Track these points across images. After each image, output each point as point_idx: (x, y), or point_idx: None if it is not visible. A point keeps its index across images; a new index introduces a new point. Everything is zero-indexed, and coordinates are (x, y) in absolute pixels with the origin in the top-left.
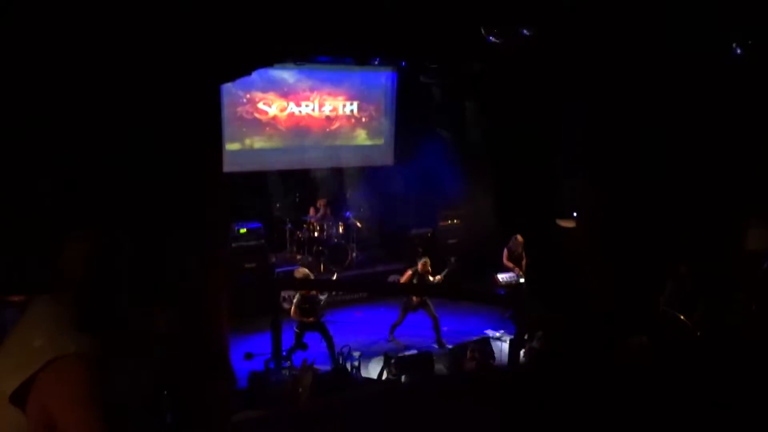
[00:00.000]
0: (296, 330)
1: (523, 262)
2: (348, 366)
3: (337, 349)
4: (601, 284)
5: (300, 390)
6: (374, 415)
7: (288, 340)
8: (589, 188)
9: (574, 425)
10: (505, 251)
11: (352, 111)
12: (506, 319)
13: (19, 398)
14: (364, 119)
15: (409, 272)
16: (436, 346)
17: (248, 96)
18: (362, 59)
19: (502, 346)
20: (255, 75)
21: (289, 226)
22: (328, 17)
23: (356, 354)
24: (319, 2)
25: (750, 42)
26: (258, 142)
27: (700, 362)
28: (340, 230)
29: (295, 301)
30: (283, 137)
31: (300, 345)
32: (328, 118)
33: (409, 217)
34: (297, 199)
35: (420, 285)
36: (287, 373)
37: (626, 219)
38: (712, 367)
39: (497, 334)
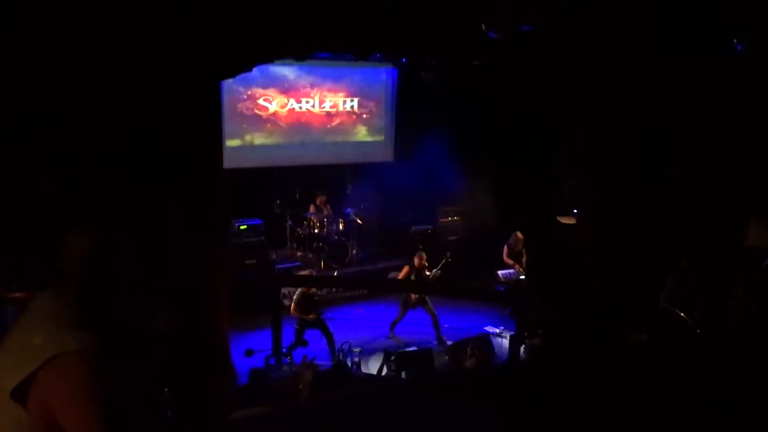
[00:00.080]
0: (296, 327)
1: (523, 259)
2: (348, 362)
3: (337, 346)
4: (601, 281)
5: (300, 386)
6: (374, 411)
7: (288, 336)
8: (589, 185)
9: (575, 422)
10: (505, 248)
11: (352, 107)
12: (506, 316)
13: (20, 395)
14: (364, 115)
15: (407, 268)
16: (436, 343)
17: (249, 92)
18: (362, 56)
19: (502, 343)
20: (255, 71)
21: (290, 222)
22: (329, 14)
23: (356, 351)
24: None
25: (751, 39)
26: (258, 139)
27: (700, 359)
28: (341, 227)
29: (294, 298)
30: (283, 133)
31: (300, 342)
32: (328, 114)
33: (410, 214)
34: (297, 196)
35: (420, 282)
36: (288, 370)
37: (626, 216)
38: (712, 365)
39: (497, 331)
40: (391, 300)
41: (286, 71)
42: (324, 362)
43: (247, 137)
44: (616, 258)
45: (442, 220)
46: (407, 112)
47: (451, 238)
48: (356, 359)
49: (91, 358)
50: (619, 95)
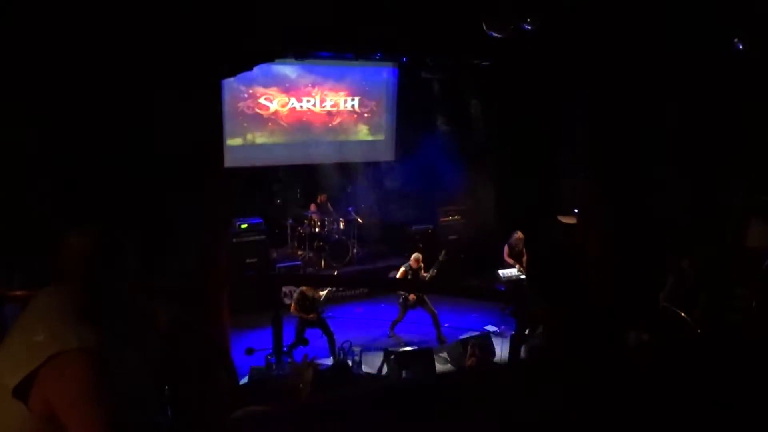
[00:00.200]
0: (297, 326)
1: (524, 259)
2: (349, 361)
3: (337, 345)
4: (602, 280)
5: (301, 385)
6: (375, 409)
7: (289, 335)
8: (590, 185)
9: (574, 421)
10: (506, 247)
11: (353, 106)
12: (507, 315)
13: (22, 392)
14: (365, 115)
15: (403, 269)
16: (436, 342)
17: (250, 91)
18: (364, 55)
19: (502, 342)
20: (257, 70)
21: (290, 221)
22: (330, 13)
23: (357, 349)
24: None
25: (752, 38)
26: (260, 138)
27: (700, 359)
28: (341, 226)
29: (295, 297)
30: (284, 132)
31: (301, 340)
32: (329, 113)
33: (410, 213)
34: (298, 195)
35: (421, 281)
36: (288, 369)
37: (626, 216)
38: (713, 365)
39: (498, 330)
40: (392, 299)
41: (288, 70)
42: (324, 361)
43: (249, 136)
44: (617, 258)
45: (443, 219)
46: (408, 112)
47: (451, 237)
48: (357, 358)
49: (92, 355)
50: (619, 95)
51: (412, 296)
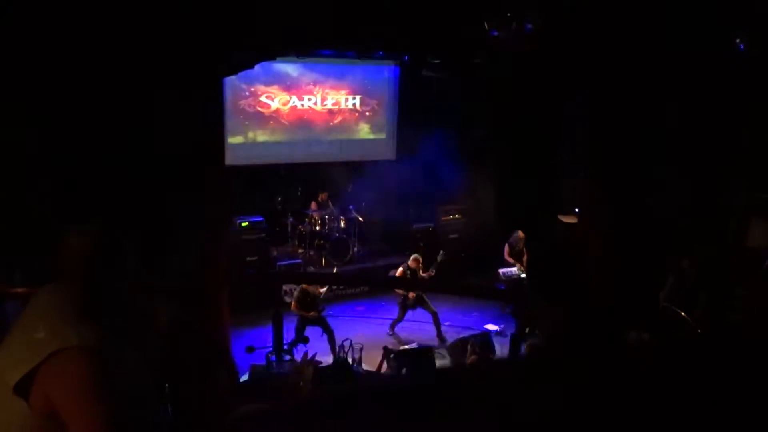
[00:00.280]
0: (297, 324)
1: (524, 258)
2: (349, 359)
3: (338, 343)
4: (602, 280)
5: (301, 383)
6: (375, 407)
7: (289, 333)
8: (590, 184)
9: (574, 420)
10: (507, 246)
11: (354, 105)
12: (507, 315)
13: (22, 390)
14: (367, 113)
15: (402, 269)
16: (436, 341)
17: (251, 89)
18: (365, 53)
19: (503, 342)
20: (258, 68)
21: (291, 219)
22: (331, 11)
23: (357, 347)
24: None
25: (753, 37)
26: (261, 136)
27: (701, 359)
28: (342, 224)
29: (295, 295)
30: (285, 131)
31: (301, 338)
32: (330, 111)
33: (411, 212)
34: (299, 193)
35: (421, 280)
36: (288, 367)
37: (627, 215)
38: (713, 364)
39: (498, 329)
40: (392, 298)
41: (289, 68)
42: (325, 359)
43: (250, 134)
44: (617, 257)
45: (444, 218)
46: (409, 110)
47: (452, 236)
48: (357, 356)
49: (93, 353)
50: (620, 95)
51: (411, 295)
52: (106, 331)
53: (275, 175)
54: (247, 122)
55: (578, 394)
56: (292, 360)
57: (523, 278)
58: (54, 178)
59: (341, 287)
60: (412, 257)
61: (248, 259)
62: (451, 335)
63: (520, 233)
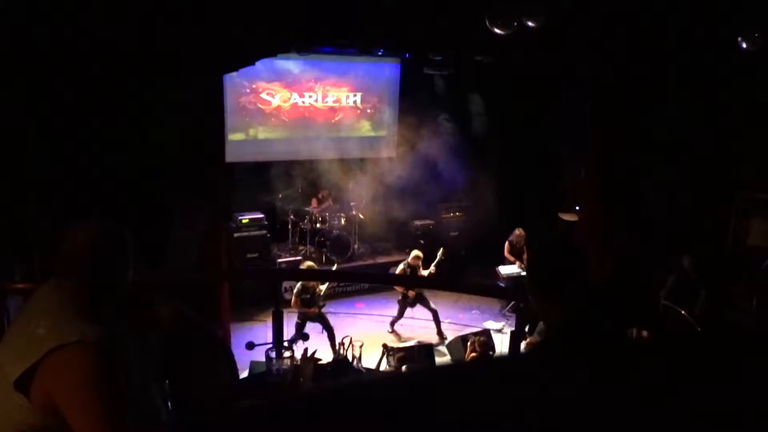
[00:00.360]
0: (297, 320)
1: (524, 256)
2: (349, 357)
3: (337, 340)
4: (603, 278)
5: (301, 380)
6: (375, 403)
7: (290, 330)
8: (591, 182)
9: (573, 417)
10: (507, 244)
11: (355, 102)
12: (507, 312)
13: (23, 384)
14: (368, 110)
15: (402, 266)
16: (436, 338)
17: (252, 86)
18: (366, 50)
19: (502, 339)
20: (259, 65)
21: (292, 216)
22: (332, 8)
23: (357, 345)
24: None
25: (756, 35)
26: (262, 133)
27: (701, 357)
28: (342, 222)
29: (295, 291)
30: (286, 128)
31: (301, 335)
32: (331, 109)
33: (411, 209)
34: (299, 190)
35: (421, 278)
36: (288, 363)
37: (627, 213)
38: (713, 362)
39: (498, 327)
40: (392, 295)
41: (290, 65)
42: (324, 356)
43: (251, 131)
44: (618, 255)
45: (444, 215)
46: (410, 108)
47: (452, 233)
48: (356, 353)
49: (93, 349)
50: (621, 93)
51: (411, 293)
52: (106, 327)
53: (276, 171)
54: (248, 119)
55: (577, 392)
56: (292, 357)
57: (523, 276)
58: (56, 172)
59: (342, 284)
60: (412, 254)
61: (248, 255)
62: (451, 333)
63: (521, 231)
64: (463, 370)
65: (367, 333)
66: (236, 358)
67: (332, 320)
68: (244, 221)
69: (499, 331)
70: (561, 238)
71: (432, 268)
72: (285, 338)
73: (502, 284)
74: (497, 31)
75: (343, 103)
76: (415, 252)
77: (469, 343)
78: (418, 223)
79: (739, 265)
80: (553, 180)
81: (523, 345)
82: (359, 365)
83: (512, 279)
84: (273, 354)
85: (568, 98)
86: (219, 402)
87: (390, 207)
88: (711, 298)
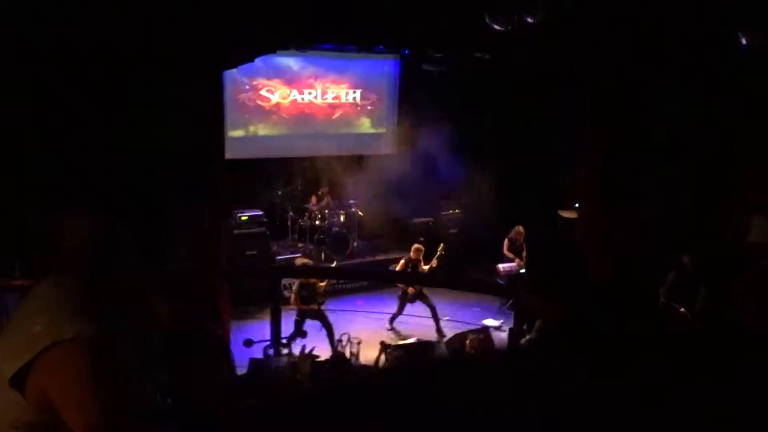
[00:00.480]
0: (296, 318)
1: (524, 253)
2: (347, 354)
3: (336, 337)
4: (602, 276)
5: (298, 377)
6: (372, 399)
7: (288, 327)
8: (591, 180)
9: (571, 414)
10: (506, 241)
11: (354, 99)
12: (506, 309)
13: (18, 382)
14: (368, 107)
15: (403, 261)
16: (435, 336)
17: (252, 83)
18: (366, 47)
19: (501, 336)
20: (259, 62)
21: (291, 213)
22: (332, 5)
23: (355, 342)
24: None
25: (755, 33)
26: (261, 129)
27: (700, 355)
28: (342, 219)
29: (294, 288)
30: (286, 124)
31: (300, 332)
32: (331, 105)
33: (411, 206)
34: (299, 187)
35: (420, 274)
36: (286, 361)
37: (627, 210)
38: (712, 360)
39: (497, 324)
40: (391, 292)
41: (291, 62)
42: (323, 353)
43: (251, 128)
44: (617, 253)
45: (443, 212)
46: (409, 104)
47: (451, 230)
48: (355, 350)
49: (89, 346)
50: (621, 90)
51: (411, 289)
52: (104, 324)
53: (275, 169)
54: (247, 116)
55: (576, 390)
56: (290, 354)
57: (522, 273)
58: (54, 168)
59: (341, 282)
60: (413, 248)
61: (248, 253)
62: (450, 330)
63: (520, 228)
64: (463, 365)
65: (366, 330)
66: (235, 354)
67: (331, 318)
68: (243, 218)
69: (498, 328)
70: (560, 236)
71: (434, 261)
72: (283, 335)
73: (501, 281)
74: (496, 27)
75: (343, 100)
76: (416, 246)
77: (467, 341)
78: (417, 220)
79: (740, 263)
80: (552, 177)
81: (521, 343)
82: (357, 363)
83: (511, 276)
84: (271, 351)
85: (567, 97)
86: (218, 400)
87: (389, 204)
88: (710, 295)
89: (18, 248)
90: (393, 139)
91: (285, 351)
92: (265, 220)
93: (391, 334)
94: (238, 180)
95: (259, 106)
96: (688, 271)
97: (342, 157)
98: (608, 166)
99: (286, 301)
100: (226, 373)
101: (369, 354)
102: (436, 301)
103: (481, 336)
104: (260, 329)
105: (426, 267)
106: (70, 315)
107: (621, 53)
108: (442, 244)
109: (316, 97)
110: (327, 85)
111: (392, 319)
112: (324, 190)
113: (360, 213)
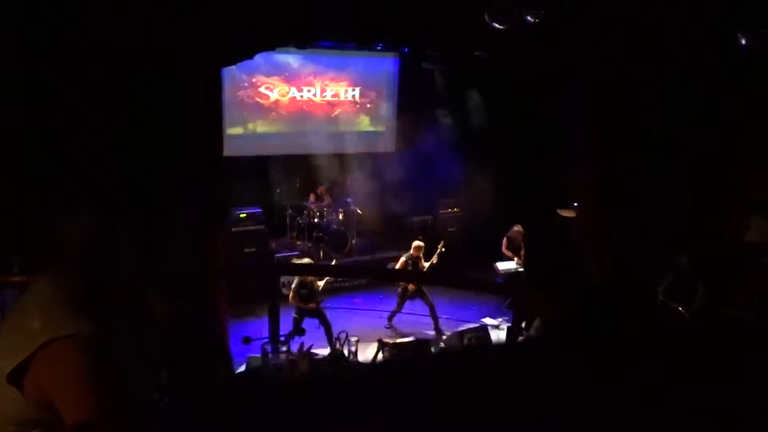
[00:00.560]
0: (295, 315)
1: (522, 252)
2: (345, 352)
3: (335, 335)
4: (600, 274)
5: (297, 375)
6: (370, 395)
7: (287, 325)
8: (589, 179)
9: (572, 413)
10: (504, 240)
11: (354, 97)
12: (504, 308)
13: (16, 378)
14: (367, 105)
15: (403, 258)
16: (433, 334)
17: (252, 80)
18: (365, 45)
19: (499, 335)
20: (258, 59)
21: (290, 211)
22: (331, 2)
23: (354, 340)
24: None
25: (756, 31)
26: (261, 127)
27: (698, 354)
28: (340, 216)
29: (293, 286)
30: (285, 122)
31: (298, 330)
32: (330, 103)
33: (410, 205)
34: (297, 185)
35: (419, 272)
36: (284, 358)
37: (625, 210)
38: (710, 359)
39: (495, 323)
40: (390, 290)
41: (290, 59)
42: (321, 351)
43: (250, 125)
44: (615, 252)
45: (442, 211)
46: (409, 103)
47: (450, 229)
48: (353, 348)
49: (86, 343)
50: (620, 89)
51: (411, 286)
52: (101, 322)
53: (274, 166)
54: (246, 113)
55: (575, 387)
56: (289, 352)
57: (521, 272)
58: (54, 165)
59: (339, 280)
60: (414, 245)
61: (246, 250)
62: (449, 328)
63: (519, 227)
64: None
65: (365, 329)
66: (233, 352)
67: (330, 316)
68: (241, 216)
69: (497, 327)
70: (559, 235)
71: (434, 258)
72: (282, 333)
73: (499, 280)
74: (496, 26)
75: (342, 98)
76: (417, 243)
77: (466, 339)
78: (416, 218)
79: (738, 262)
80: (551, 176)
81: (520, 341)
82: (355, 361)
83: (510, 275)
84: (269, 348)
85: (567, 96)
86: (216, 399)
87: (388, 202)
88: (708, 295)
89: (18, 250)
90: (392, 137)
91: (283, 349)
92: (263, 217)
93: (389, 332)
94: (236, 177)
95: (258, 103)
96: (686, 271)
97: (341, 154)
98: (608, 165)
99: (285, 299)
100: (225, 373)
101: (367, 352)
102: (434, 299)
103: (480, 334)
104: (258, 327)
105: (426, 264)
106: (68, 312)
107: (621, 53)
108: (442, 242)
109: (315, 95)
110: (326, 82)
111: (391, 317)
112: (323, 187)
113: (359, 211)
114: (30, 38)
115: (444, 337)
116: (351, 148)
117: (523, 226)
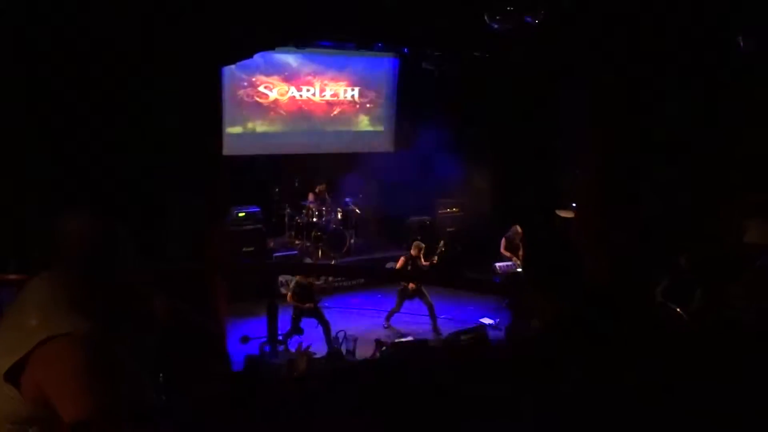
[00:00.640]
0: (293, 315)
1: (521, 252)
2: (343, 351)
3: (333, 335)
4: (598, 275)
5: (295, 374)
6: (368, 395)
7: (285, 324)
8: (588, 179)
9: (572, 413)
10: (503, 240)
11: (353, 96)
12: (503, 308)
13: (14, 377)
14: (367, 105)
15: (403, 258)
16: (432, 334)
17: (250, 79)
18: (364, 45)
19: (498, 335)
20: (258, 58)
21: (288, 210)
22: (331, 2)
23: (352, 339)
24: None
25: (753, 35)
26: (260, 126)
27: (697, 355)
28: (339, 216)
29: (291, 286)
30: (284, 121)
31: (296, 330)
32: (329, 103)
33: (408, 205)
34: (296, 184)
35: (418, 272)
36: (282, 357)
37: (624, 211)
38: (709, 360)
39: (494, 323)
40: (388, 290)
41: (289, 59)
42: (319, 350)
43: (249, 124)
44: (614, 253)
45: (441, 211)
46: (408, 103)
47: (449, 229)
48: (351, 348)
49: (85, 340)
50: (620, 90)
51: (411, 285)
52: (99, 319)
53: (273, 165)
54: (245, 112)
55: (574, 387)
56: (287, 351)
57: (519, 272)
58: (52, 163)
59: (338, 279)
60: (413, 245)
61: (244, 249)
62: (447, 328)
63: (518, 228)
64: (460, 361)
65: (363, 328)
66: (231, 351)
67: (328, 315)
68: (240, 215)
69: (495, 327)
70: (557, 235)
71: (434, 258)
72: (280, 332)
73: (497, 280)
74: (496, 27)
75: (341, 98)
76: (417, 243)
77: (464, 339)
78: (414, 218)
79: (736, 264)
80: (550, 177)
81: (518, 341)
82: (353, 360)
83: (508, 275)
84: (267, 348)
85: (566, 96)
86: (212, 395)
87: (387, 202)
88: (707, 296)
89: (18, 250)
90: (391, 137)
91: (281, 348)
92: (261, 216)
93: (387, 332)
94: (235, 176)
95: (257, 102)
96: (684, 272)
97: (340, 154)
98: (607, 166)
99: (283, 299)
100: (223, 372)
101: (365, 351)
102: (433, 298)
103: (478, 334)
104: (257, 326)
105: (426, 263)
106: (66, 310)
107: (621, 53)
108: (442, 241)
109: (314, 94)
110: (325, 82)
111: (389, 316)
112: (321, 187)
113: (357, 210)
114: (30, 38)
115: (442, 337)
116: (350, 147)
117: (521, 227)
